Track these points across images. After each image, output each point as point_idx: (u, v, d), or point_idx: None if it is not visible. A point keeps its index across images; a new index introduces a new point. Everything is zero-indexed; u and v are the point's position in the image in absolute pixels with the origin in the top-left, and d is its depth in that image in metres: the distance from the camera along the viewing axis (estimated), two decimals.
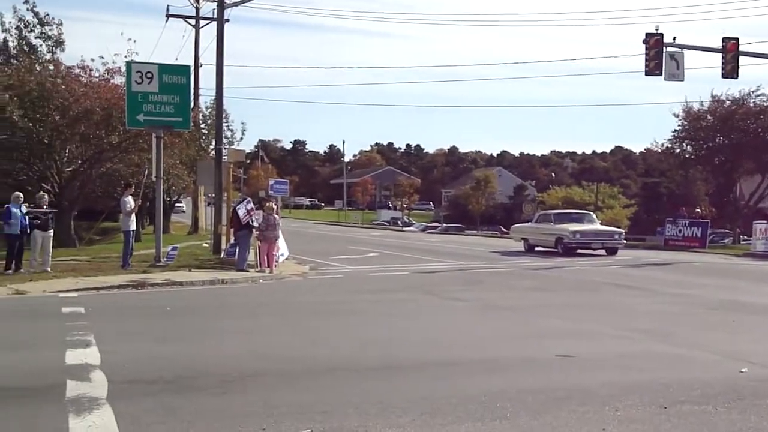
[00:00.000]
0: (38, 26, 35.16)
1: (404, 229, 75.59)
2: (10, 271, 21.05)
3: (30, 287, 18.10)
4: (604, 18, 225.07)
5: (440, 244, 43.55)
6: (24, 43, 35.33)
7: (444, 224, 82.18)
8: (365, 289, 19.88)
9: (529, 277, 23.22)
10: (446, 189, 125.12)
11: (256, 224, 23.36)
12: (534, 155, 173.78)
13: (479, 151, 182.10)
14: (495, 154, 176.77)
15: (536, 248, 34.71)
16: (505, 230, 65.76)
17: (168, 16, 47.74)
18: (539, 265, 27.24)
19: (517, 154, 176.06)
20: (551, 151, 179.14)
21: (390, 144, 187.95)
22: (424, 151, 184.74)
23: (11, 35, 35.30)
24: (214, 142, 32.23)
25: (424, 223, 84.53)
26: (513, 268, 26.55)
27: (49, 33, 35.33)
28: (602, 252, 32.59)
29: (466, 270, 25.53)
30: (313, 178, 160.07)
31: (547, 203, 73.26)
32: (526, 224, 39.15)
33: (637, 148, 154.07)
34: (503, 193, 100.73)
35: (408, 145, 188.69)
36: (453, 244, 42.58)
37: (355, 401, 7.87)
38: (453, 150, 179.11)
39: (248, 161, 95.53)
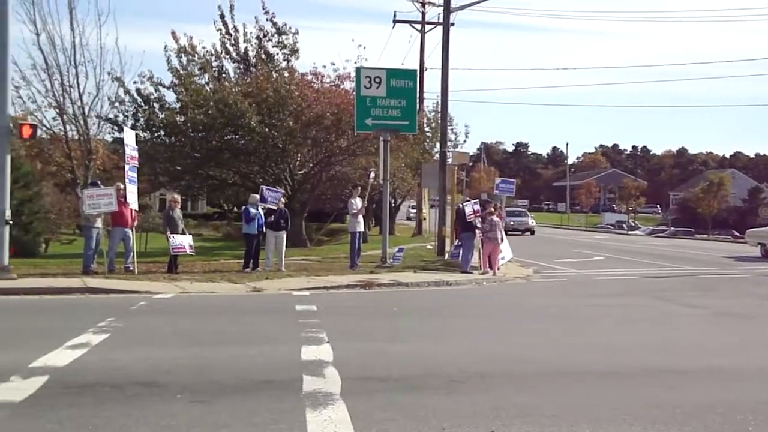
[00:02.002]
0: (276, 35, 36.84)
1: (630, 232, 73.71)
2: (248, 269, 22.22)
3: (266, 285, 19.02)
4: None
5: (668, 248, 42.08)
6: (262, 52, 37.13)
7: (672, 228, 79.32)
8: (591, 293, 19.53)
9: (765, 285, 22.00)
10: (674, 192, 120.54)
11: (479, 225, 23.44)
12: None
13: (710, 152, 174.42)
14: (727, 156, 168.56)
15: None
16: (738, 235, 62.69)
17: (395, 21, 48.82)
18: None
19: (752, 155, 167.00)
20: None
21: (615, 146, 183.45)
22: (651, 152, 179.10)
23: (251, 45, 37.18)
24: (438, 145, 32.63)
25: (651, 227, 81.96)
26: (748, 274, 25.28)
27: (286, 42, 36.95)
28: None
29: (696, 275, 24.55)
30: (536, 181, 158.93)
31: None
32: (762, 229, 37.18)
33: None
34: (736, 195, 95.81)
35: (634, 147, 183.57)
36: (682, 249, 41.03)
37: (583, 406, 7.75)
38: (682, 151, 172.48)
39: (471, 164, 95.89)
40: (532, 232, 58.86)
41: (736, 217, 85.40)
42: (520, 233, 56.02)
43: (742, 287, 21.19)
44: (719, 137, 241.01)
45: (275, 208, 22.93)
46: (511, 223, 51.91)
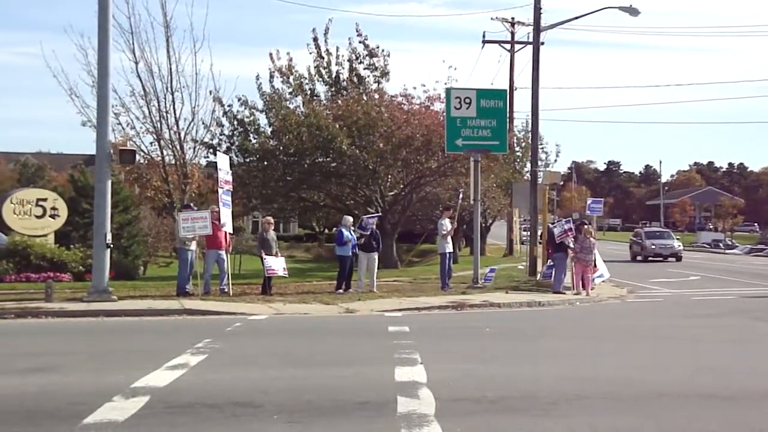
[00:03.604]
0: (368, 57, 37.23)
1: (727, 251, 71.75)
2: (341, 290, 22.39)
3: (358, 306, 19.14)
4: None
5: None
6: (354, 74, 37.55)
7: None
8: (688, 313, 19.11)
9: None
10: None
11: (571, 245, 23.18)
12: None
13: None
14: None
15: None
16: None
17: (484, 42, 48.86)
18: None
19: None
20: None
21: (710, 163, 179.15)
22: (748, 169, 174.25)
23: (343, 68, 37.63)
24: (529, 165, 32.45)
25: (749, 246, 79.69)
26: None
27: (377, 64, 37.33)
28: None
29: None
30: (628, 199, 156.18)
31: None
32: None
33: None
34: None
35: (730, 164, 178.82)
36: None
37: (687, 430, 7.59)
38: None
39: (561, 183, 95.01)
40: (679, 258, 46.30)
41: None
42: (662, 259, 46.32)
43: None
44: None
45: (368, 233, 23.12)
46: (652, 247, 47.07)
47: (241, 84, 56.14)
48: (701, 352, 13.01)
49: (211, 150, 34.99)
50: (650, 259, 46.01)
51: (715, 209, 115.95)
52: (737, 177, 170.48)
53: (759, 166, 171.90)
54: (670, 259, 45.88)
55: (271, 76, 36.17)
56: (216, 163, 24.18)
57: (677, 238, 51.68)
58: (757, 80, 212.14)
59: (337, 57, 37.41)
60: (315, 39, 37.19)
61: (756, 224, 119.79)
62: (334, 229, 25.69)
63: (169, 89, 32.90)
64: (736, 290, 25.40)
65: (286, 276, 23.13)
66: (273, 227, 23.46)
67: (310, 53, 37.39)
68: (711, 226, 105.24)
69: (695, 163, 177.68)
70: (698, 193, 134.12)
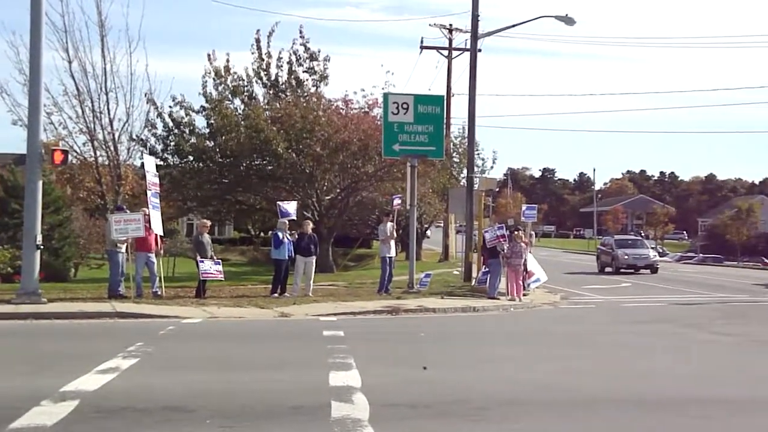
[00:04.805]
0: (308, 60, 37.14)
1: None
2: (276, 294, 22.27)
3: (293, 310, 19.05)
4: None
5: (697, 275, 41.70)
6: (292, 77, 37.41)
7: (701, 254, 78.70)
8: (619, 320, 19.41)
9: None
10: (702, 218, 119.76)
11: (504, 251, 23.32)
12: None
13: (739, 179, 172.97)
14: (757, 182, 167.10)
15: None
16: None
17: (422, 48, 49.01)
18: None
19: None
20: None
21: (642, 171, 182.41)
22: (679, 178, 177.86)
23: (282, 70, 37.44)
24: (465, 171, 32.65)
25: (679, 254, 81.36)
26: None
27: (316, 68, 37.26)
28: None
29: (727, 303, 24.31)
30: (562, 206, 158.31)
31: None
32: None
33: None
34: (766, 222, 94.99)
35: (662, 173, 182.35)
36: (711, 276, 40.65)
37: None
38: (710, 178, 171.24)
39: (497, 189, 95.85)
40: (654, 270, 40.05)
41: (765, 243, 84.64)
42: (634, 272, 39.61)
43: None
44: (748, 163, 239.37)
45: (295, 217, 23.10)
46: (625, 257, 40.22)
47: (178, 85, 55.84)
48: (632, 358, 13.21)
49: (146, 149, 34.59)
50: (622, 271, 39.68)
51: (646, 217, 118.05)
52: (669, 186, 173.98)
53: (689, 175, 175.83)
54: (644, 270, 39.86)
55: (214, 77, 35.90)
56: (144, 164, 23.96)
57: (652, 247, 46.65)
58: (688, 91, 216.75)
59: (278, 60, 37.22)
60: (258, 40, 36.96)
61: (685, 232, 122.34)
62: (270, 232, 25.54)
63: (104, 89, 32.47)
64: (667, 297, 25.87)
65: (221, 279, 22.93)
66: (208, 230, 23.25)
67: (252, 53, 37.16)
68: (643, 234, 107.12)
69: (628, 171, 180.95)
70: (631, 201, 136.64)
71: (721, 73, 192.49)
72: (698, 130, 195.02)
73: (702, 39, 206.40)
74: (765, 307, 23.13)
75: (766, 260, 67.52)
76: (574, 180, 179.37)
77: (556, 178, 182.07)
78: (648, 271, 39.68)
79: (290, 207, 23.65)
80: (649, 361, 12.93)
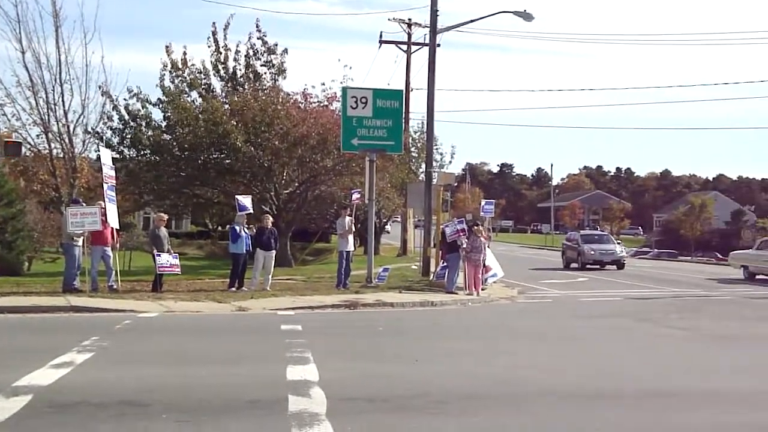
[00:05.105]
0: (265, 54, 36.90)
1: None
2: (233, 288, 22.17)
3: (251, 304, 18.97)
4: None
5: (652, 270, 42.20)
6: (250, 71, 37.16)
7: (655, 250, 79.66)
8: (576, 314, 19.56)
9: (749, 307, 22.11)
10: (658, 214, 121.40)
11: (463, 245, 23.40)
12: (753, 179, 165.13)
13: (693, 175, 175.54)
14: (711, 178, 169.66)
15: (757, 276, 33.00)
16: (721, 257, 63.03)
17: (381, 42, 48.93)
18: (761, 294, 25.89)
19: (734, 178, 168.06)
20: None
21: (599, 167, 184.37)
22: (635, 174, 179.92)
23: (240, 64, 37.18)
24: (423, 165, 32.70)
25: (635, 249, 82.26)
26: (732, 296, 25.37)
27: (274, 61, 37.04)
28: None
29: (681, 297, 24.62)
30: (520, 201, 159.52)
31: None
32: (746, 251, 37.38)
33: None
34: (719, 218, 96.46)
35: (618, 169, 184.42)
36: (665, 270, 41.15)
37: (571, 428, 7.76)
38: (665, 173, 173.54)
39: (456, 184, 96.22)
40: (621, 266, 39.40)
41: (719, 239, 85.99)
42: (599, 268, 39.00)
43: (726, 309, 21.25)
44: (703, 160, 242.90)
45: (252, 211, 23.01)
46: (592, 252, 39.46)
47: (135, 77, 55.29)
48: (589, 353, 13.32)
49: (101, 142, 34.22)
50: (588, 266, 39.05)
51: (603, 212, 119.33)
52: (625, 181, 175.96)
53: (645, 171, 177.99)
54: (610, 266, 39.23)
55: (170, 70, 35.56)
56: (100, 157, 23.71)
57: (618, 242, 44.91)
58: (643, 88, 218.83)
59: (236, 53, 36.96)
60: (214, 33, 36.66)
61: (640, 228, 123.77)
62: (228, 226, 25.37)
63: (58, 80, 32.10)
64: (622, 292, 26.12)
65: (178, 273, 22.76)
66: (165, 224, 23.07)
67: (209, 47, 36.85)
68: (599, 229, 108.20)
69: (585, 166, 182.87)
70: (587, 197, 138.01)
71: (677, 71, 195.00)
72: (654, 126, 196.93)
73: (658, 36, 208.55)
74: (717, 302, 23.43)
75: (719, 255, 68.43)
76: (532, 175, 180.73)
77: (514, 174, 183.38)
78: (614, 267, 39.15)
79: (247, 201, 23.56)
80: (606, 355, 13.05)
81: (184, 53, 36.06)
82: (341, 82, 33.58)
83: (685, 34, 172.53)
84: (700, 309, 21.10)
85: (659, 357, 12.92)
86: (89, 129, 33.66)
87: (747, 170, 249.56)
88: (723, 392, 9.84)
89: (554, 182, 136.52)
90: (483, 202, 30.16)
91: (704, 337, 15.73)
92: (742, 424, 8.16)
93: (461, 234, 23.52)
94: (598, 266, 39.07)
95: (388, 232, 69.65)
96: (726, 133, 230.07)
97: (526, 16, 28.68)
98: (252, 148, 32.60)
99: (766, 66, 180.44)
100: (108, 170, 21.82)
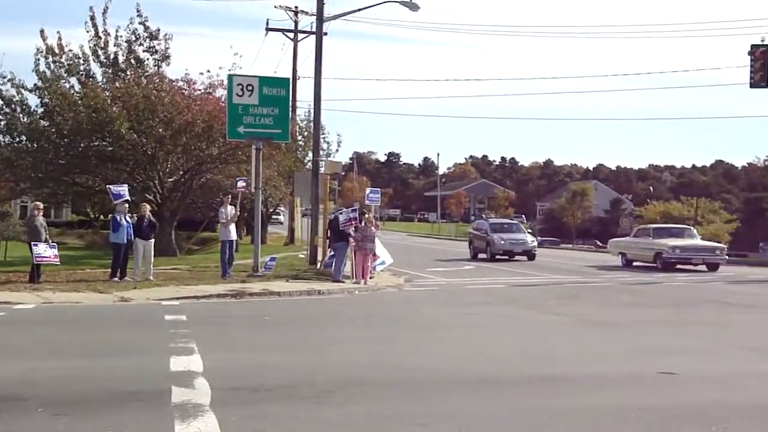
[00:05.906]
0: (147, 40, 35.94)
1: None
2: (116, 278, 21.69)
3: (134, 294, 18.59)
4: (707, 29, 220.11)
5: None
6: (132, 56, 36.17)
7: (539, 238, 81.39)
8: (461, 302, 19.83)
9: (627, 292, 22.81)
10: (541, 202, 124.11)
11: (352, 233, 23.43)
12: (631, 169, 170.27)
13: (575, 164, 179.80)
14: (591, 168, 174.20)
15: (634, 263, 34.13)
16: (601, 244, 64.97)
17: (267, 29, 48.49)
18: (637, 280, 26.73)
19: (613, 168, 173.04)
20: (649, 165, 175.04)
21: (484, 157, 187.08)
22: (519, 164, 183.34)
23: (121, 49, 36.13)
24: (311, 154, 32.60)
25: None
26: (610, 282, 26.13)
27: (157, 47, 36.12)
28: (703, 268, 31.76)
29: (562, 284, 25.22)
30: (408, 191, 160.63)
31: (645, 218, 71.89)
32: (623, 239, 38.62)
33: (739, 162, 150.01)
34: (599, 207, 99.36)
35: (503, 158, 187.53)
36: (548, 258, 41.99)
37: (456, 414, 7.84)
38: (548, 163, 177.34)
39: (343, 173, 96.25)
40: (532, 257, 37.38)
41: (599, 227, 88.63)
42: (508, 259, 37.12)
43: (604, 295, 21.87)
44: (583, 150, 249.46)
45: (129, 199, 22.61)
46: (502, 242, 37.28)
47: (9, 62, 53.16)
48: (477, 339, 13.50)
49: None
50: (498, 257, 37.18)
51: (488, 201, 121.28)
52: (509, 171, 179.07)
53: (529, 161, 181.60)
54: (521, 257, 37.25)
55: (45, 55, 34.35)
56: None
57: (529, 231, 43.34)
58: (527, 79, 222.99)
59: (116, 38, 35.91)
60: (92, 18, 35.54)
61: (523, 216, 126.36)
62: (110, 215, 24.80)
63: None
64: (506, 279, 26.60)
65: (57, 263, 22.11)
66: (42, 213, 22.36)
67: (87, 32, 35.74)
68: (485, 218, 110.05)
69: (471, 156, 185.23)
70: (473, 186, 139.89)
71: (560, 63, 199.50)
72: (537, 116, 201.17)
73: (542, 28, 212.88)
74: (596, 288, 24.08)
75: (599, 243, 70.47)
76: (419, 164, 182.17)
77: (402, 163, 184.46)
78: (525, 257, 37.18)
79: (122, 189, 23.03)
80: (490, 342, 13.26)
81: (59, 38, 34.81)
82: (229, 70, 33.08)
83: (568, 27, 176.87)
84: (579, 295, 21.65)
85: (542, 342, 13.20)
86: None
87: (625, 160, 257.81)
88: (609, 376, 10.09)
89: (441, 171, 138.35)
90: (368, 191, 30.29)
91: (585, 322, 16.14)
92: (623, 407, 8.39)
93: (353, 222, 23.55)
94: (507, 257, 37.36)
95: (282, 223, 68.95)
96: (605, 124, 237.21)
97: (412, 6, 28.80)
98: (135, 136, 31.91)
99: (641, 59, 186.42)
100: None
